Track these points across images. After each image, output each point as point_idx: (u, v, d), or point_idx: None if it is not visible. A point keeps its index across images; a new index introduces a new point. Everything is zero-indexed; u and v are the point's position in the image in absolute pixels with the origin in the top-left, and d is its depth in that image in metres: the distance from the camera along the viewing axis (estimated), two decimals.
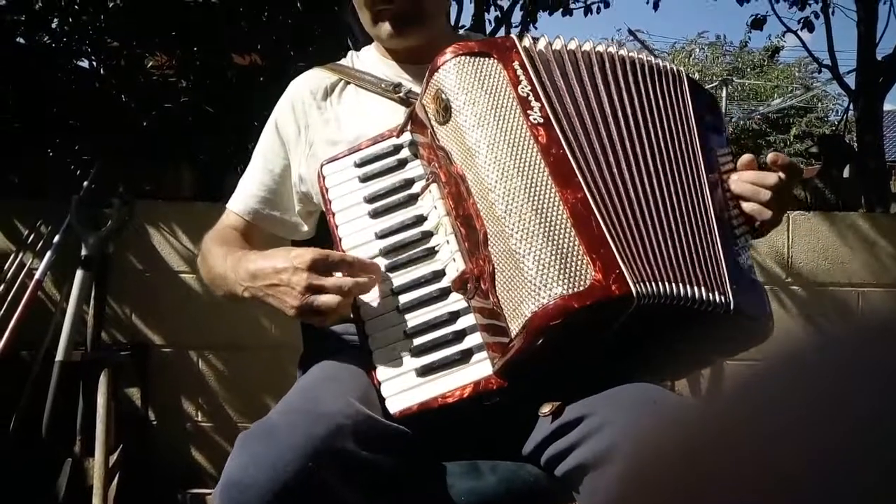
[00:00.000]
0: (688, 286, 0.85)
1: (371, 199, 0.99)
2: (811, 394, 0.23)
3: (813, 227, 2.46)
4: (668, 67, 1.00)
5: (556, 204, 0.83)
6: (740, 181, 0.97)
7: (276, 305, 0.93)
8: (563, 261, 0.80)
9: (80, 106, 2.66)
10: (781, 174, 0.96)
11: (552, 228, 0.82)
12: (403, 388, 0.89)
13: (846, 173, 3.44)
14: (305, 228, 1.15)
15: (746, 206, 0.96)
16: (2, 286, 2.11)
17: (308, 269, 0.89)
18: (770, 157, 0.96)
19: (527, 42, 0.95)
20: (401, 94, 1.07)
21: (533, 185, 0.84)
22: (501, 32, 3.46)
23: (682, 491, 0.24)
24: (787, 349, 0.25)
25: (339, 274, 0.92)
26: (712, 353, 1.03)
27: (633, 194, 0.87)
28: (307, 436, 0.78)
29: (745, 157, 0.99)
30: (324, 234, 1.09)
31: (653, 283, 0.83)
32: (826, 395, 0.23)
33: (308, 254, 0.91)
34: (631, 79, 0.95)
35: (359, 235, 0.97)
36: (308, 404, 0.86)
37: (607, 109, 0.92)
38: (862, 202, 2.87)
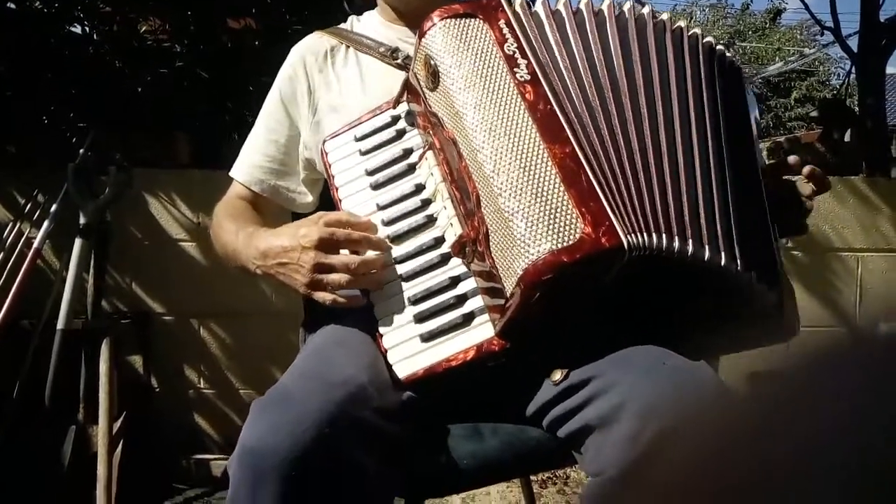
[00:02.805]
0: (683, 241, 0.83)
1: (372, 172, 1.00)
2: (845, 392, 0.23)
3: None
4: (679, 26, 0.97)
5: (545, 160, 0.82)
6: (801, 182, 1.00)
7: (287, 282, 0.95)
8: (552, 216, 0.79)
9: (74, 72, 2.62)
10: (814, 186, 1.00)
11: (540, 185, 0.81)
12: (409, 353, 0.89)
13: (847, 137, 3.42)
14: (310, 199, 1.16)
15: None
16: (1, 255, 2.10)
17: (315, 247, 0.91)
18: (806, 170, 0.99)
19: (518, 2, 0.93)
20: (399, 60, 1.06)
21: (520, 142, 0.83)
22: None
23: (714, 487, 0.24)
24: (819, 346, 0.25)
25: (345, 251, 0.92)
26: (727, 337, 0.99)
27: (627, 148, 0.85)
28: (323, 401, 0.78)
29: (793, 158, 1.01)
30: (327, 207, 1.09)
31: (645, 235, 0.81)
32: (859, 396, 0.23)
33: (315, 233, 0.92)
34: (634, 36, 0.93)
35: (362, 208, 0.98)
36: (322, 368, 0.86)
37: (609, 66, 0.90)
38: (863, 166, 2.86)
